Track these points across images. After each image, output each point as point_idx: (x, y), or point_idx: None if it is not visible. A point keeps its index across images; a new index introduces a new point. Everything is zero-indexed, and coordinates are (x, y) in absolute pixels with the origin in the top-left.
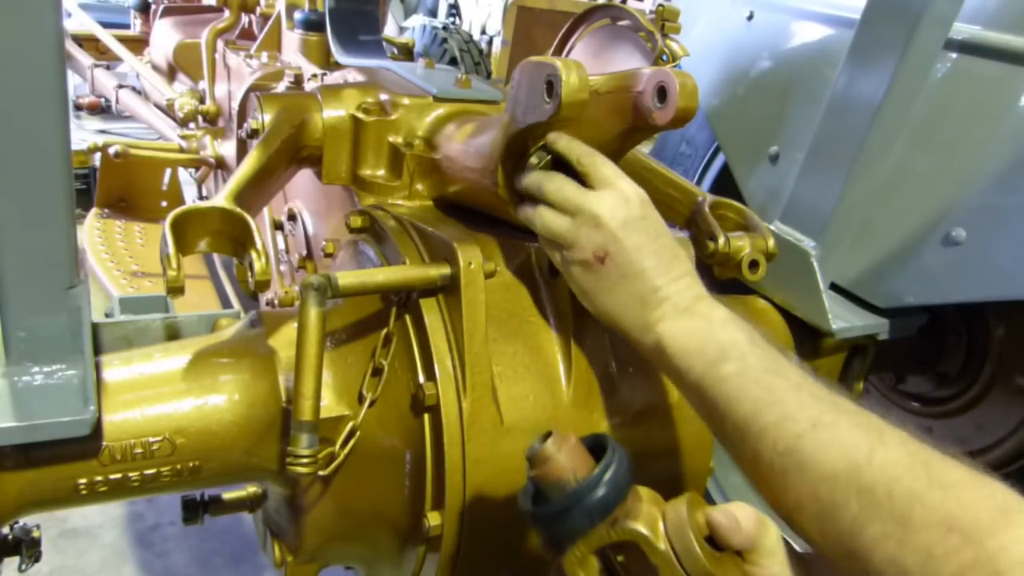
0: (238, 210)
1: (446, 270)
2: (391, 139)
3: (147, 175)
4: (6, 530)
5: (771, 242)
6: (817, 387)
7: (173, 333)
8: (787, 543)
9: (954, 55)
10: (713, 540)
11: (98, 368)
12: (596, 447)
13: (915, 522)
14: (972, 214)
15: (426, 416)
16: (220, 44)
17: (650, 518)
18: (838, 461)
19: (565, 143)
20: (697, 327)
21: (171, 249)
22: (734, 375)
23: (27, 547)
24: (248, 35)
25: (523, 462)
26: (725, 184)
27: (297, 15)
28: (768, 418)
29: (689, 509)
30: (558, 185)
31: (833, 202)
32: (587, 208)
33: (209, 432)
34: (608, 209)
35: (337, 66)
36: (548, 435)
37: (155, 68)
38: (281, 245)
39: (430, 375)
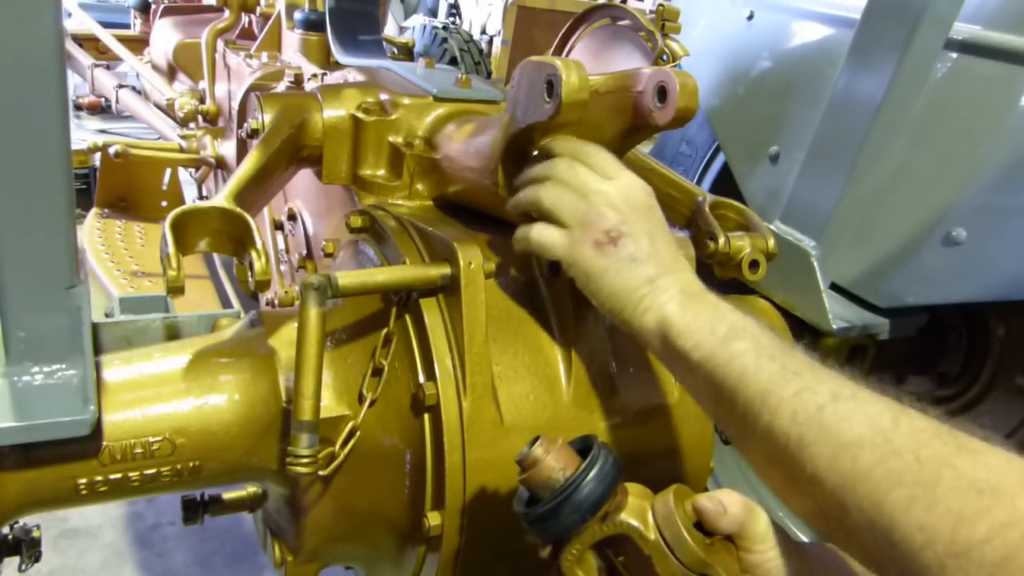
0: (238, 210)
1: (446, 270)
2: (391, 139)
3: (147, 175)
4: (6, 530)
5: (771, 242)
6: (829, 368)
7: (173, 333)
8: (781, 532)
9: (954, 55)
10: (703, 528)
11: (98, 368)
12: (584, 449)
13: (944, 485)
14: (972, 214)
15: (426, 416)
16: (220, 44)
17: (639, 511)
18: (862, 427)
19: (564, 141)
20: (706, 309)
21: (171, 249)
22: (747, 351)
23: (27, 547)
24: (248, 35)
25: None
26: (725, 184)
27: (297, 15)
28: (786, 391)
29: (676, 499)
30: (569, 165)
31: (833, 202)
32: (602, 189)
33: (209, 432)
34: (624, 191)
35: (337, 66)
36: (536, 440)
37: (155, 68)
38: (281, 245)
39: (430, 375)
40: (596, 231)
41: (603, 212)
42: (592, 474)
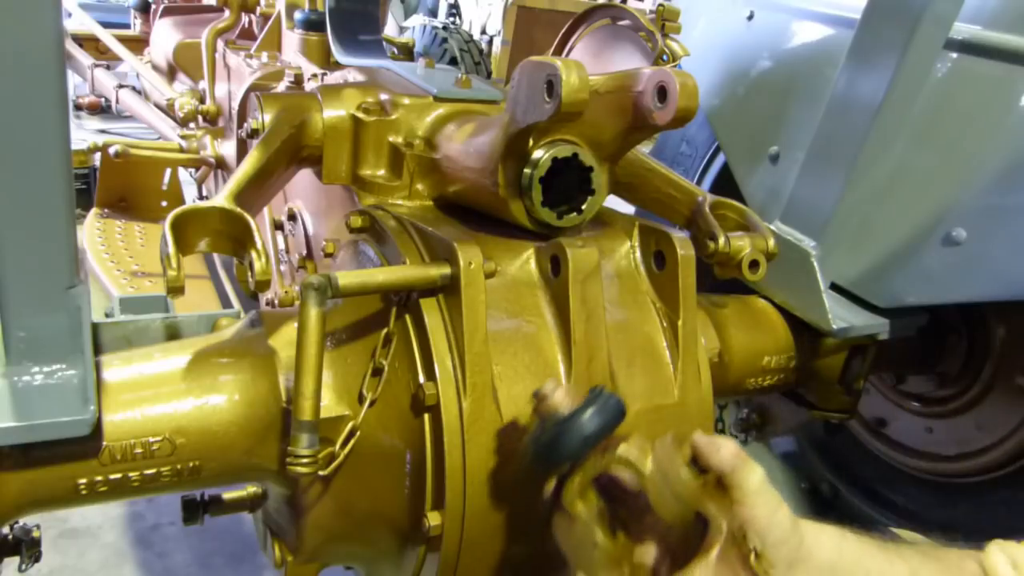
0: (238, 210)
1: (446, 270)
2: (391, 139)
3: (147, 175)
4: (6, 530)
5: (771, 242)
6: None
7: (173, 333)
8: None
9: (954, 55)
10: (698, 468)
11: (98, 368)
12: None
13: None
14: (972, 214)
15: (426, 416)
16: (220, 44)
17: (640, 448)
18: None
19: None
20: None
21: (171, 249)
22: None
23: (27, 547)
24: (248, 35)
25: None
26: (725, 184)
27: (297, 15)
28: None
29: (674, 440)
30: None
31: (833, 202)
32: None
33: (209, 432)
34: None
35: (337, 66)
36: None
37: (155, 68)
38: (281, 245)
39: (430, 375)
40: None
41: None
42: (594, 407)
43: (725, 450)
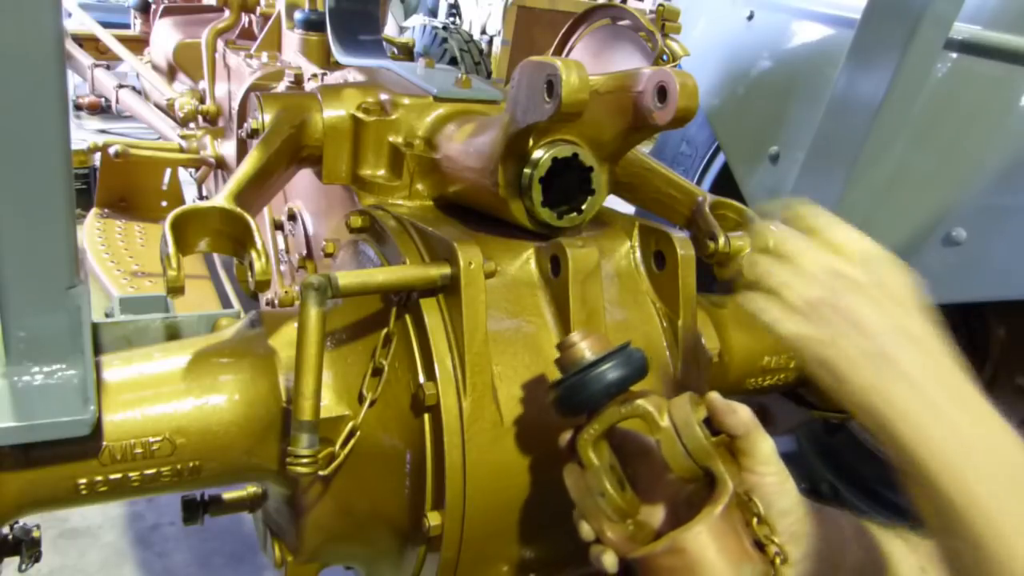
0: (238, 210)
1: (446, 270)
2: (391, 139)
3: (147, 175)
4: (6, 530)
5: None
6: None
7: (173, 333)
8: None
9: (954, 55)
10: (711, 429)
11: (98, 368)
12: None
13: None
14: (972, 214)
15: (426, 416)
16: (220, 44)
17: (657, 404)
18: None
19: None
20: (964, 419)
21: (171, 249)
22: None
23: (27, 547)
24: (248, 35)
25: (524, 462)
26: (725, 184)
27: (297, 15)
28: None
29: (691, 399)
30: (798, 249)
31: (833, 202)
32: (838, 263)
33: (209, 432)
34: (861, 249)
35: (337, 66)
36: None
37: (155, 68)
38: (281, 245)
39: (430, 375)
40: (856, 339)
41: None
42: (618, 358)
43: (740, 413)
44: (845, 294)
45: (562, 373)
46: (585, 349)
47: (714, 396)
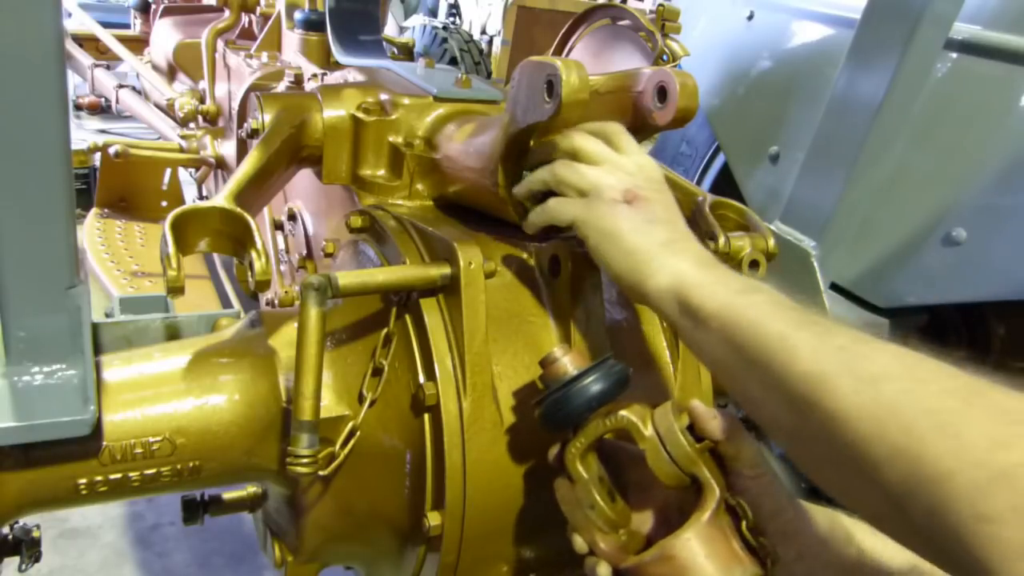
0: (238, 210)
1: (446, 270)
2: (391, 139)
3: (147, 175)
4: (6, 530)
5: (771, 242)
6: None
7: (173, 333)
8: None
9: (954, 55)
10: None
11: (98, 368)
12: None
13: (975, 411)
14: (972, 214)
15: (426, 416)
16: (220, 44)
17: (640, 414)
18: (886, 362)
19: (578, 135)
20: (721, 269)
21: (171, 249)
22: (763, 301)
23: (27, 547)
24: (248, 35)
25: (524, 462)
26: (725, 184)
27: (297, 15)
28: (804, 333)
29: (674, 406)
30: (584, 139)
31: (833, 202)
32: (620, 159)
33: (209, 432)
34: (639, 163)
35: (337, 66)
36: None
37: (155, 68)
38: (281, 245)
39: (430, 375)
40: (613, 192)
41: (619, 176)
42: (599, 372)
43: (721, 420)
44: (648, 191)
45: (545, 389)
46: (567, 364)
47: (696, 403)
